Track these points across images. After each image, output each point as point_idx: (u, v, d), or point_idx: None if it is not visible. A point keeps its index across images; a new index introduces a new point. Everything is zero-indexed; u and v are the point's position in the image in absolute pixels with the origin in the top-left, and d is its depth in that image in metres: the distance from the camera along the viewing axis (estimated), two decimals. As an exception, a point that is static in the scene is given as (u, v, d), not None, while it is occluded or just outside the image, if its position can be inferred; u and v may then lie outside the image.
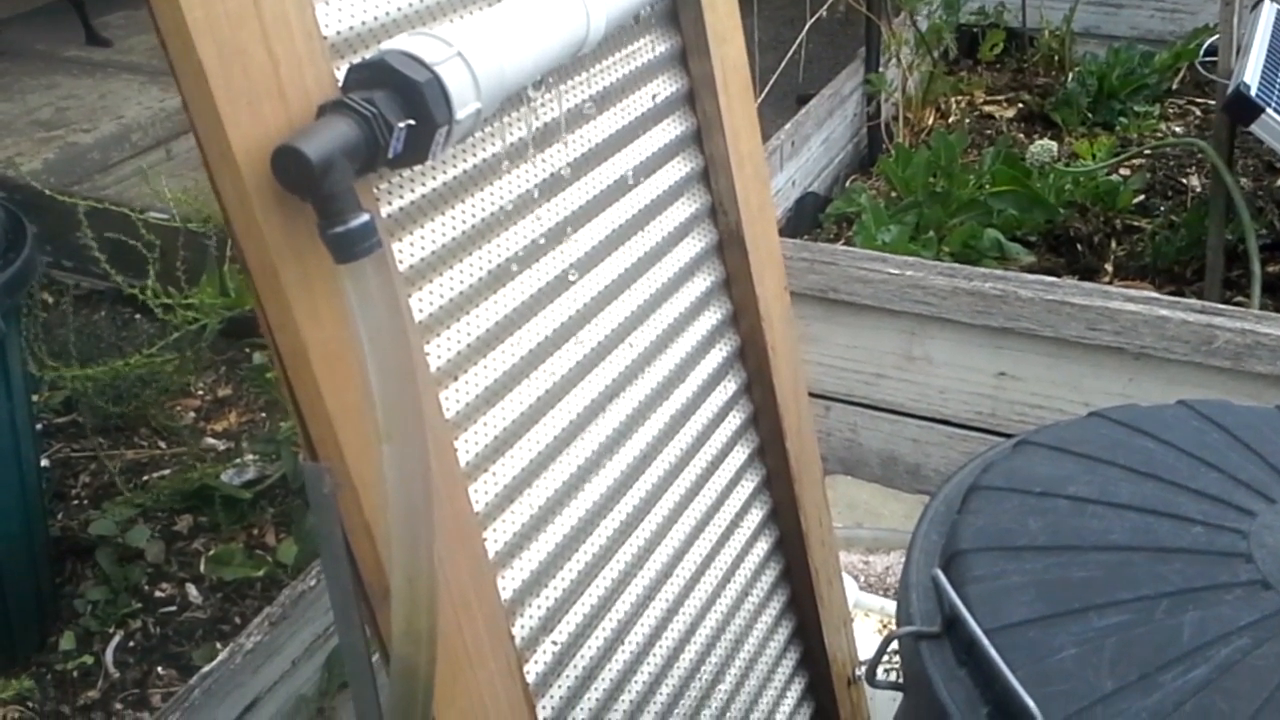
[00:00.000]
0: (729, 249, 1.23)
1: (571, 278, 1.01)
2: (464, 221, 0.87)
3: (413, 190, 0.82)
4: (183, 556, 1.70)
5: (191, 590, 1.63)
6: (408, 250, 0.82)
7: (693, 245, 1.19)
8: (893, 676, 0.89)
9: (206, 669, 1.24)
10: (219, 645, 1.28)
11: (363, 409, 0.72)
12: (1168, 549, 0.81)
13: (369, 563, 0.76)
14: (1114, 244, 2.65)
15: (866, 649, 1.52)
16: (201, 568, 1.64)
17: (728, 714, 1.22)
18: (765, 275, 1.25)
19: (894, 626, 0.84)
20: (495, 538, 0.91)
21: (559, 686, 0.97)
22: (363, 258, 0.67)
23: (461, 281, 0.87)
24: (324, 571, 0.78)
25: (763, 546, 1.32)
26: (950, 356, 1.92)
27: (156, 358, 1.73)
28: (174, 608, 1.61)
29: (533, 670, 0.94)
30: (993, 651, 0.71)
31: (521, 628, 0.93)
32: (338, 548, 0.76)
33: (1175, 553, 0.81)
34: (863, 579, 1.74)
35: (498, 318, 0.91)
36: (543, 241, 0.96)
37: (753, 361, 1.28)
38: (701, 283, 1.21)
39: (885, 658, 0.87)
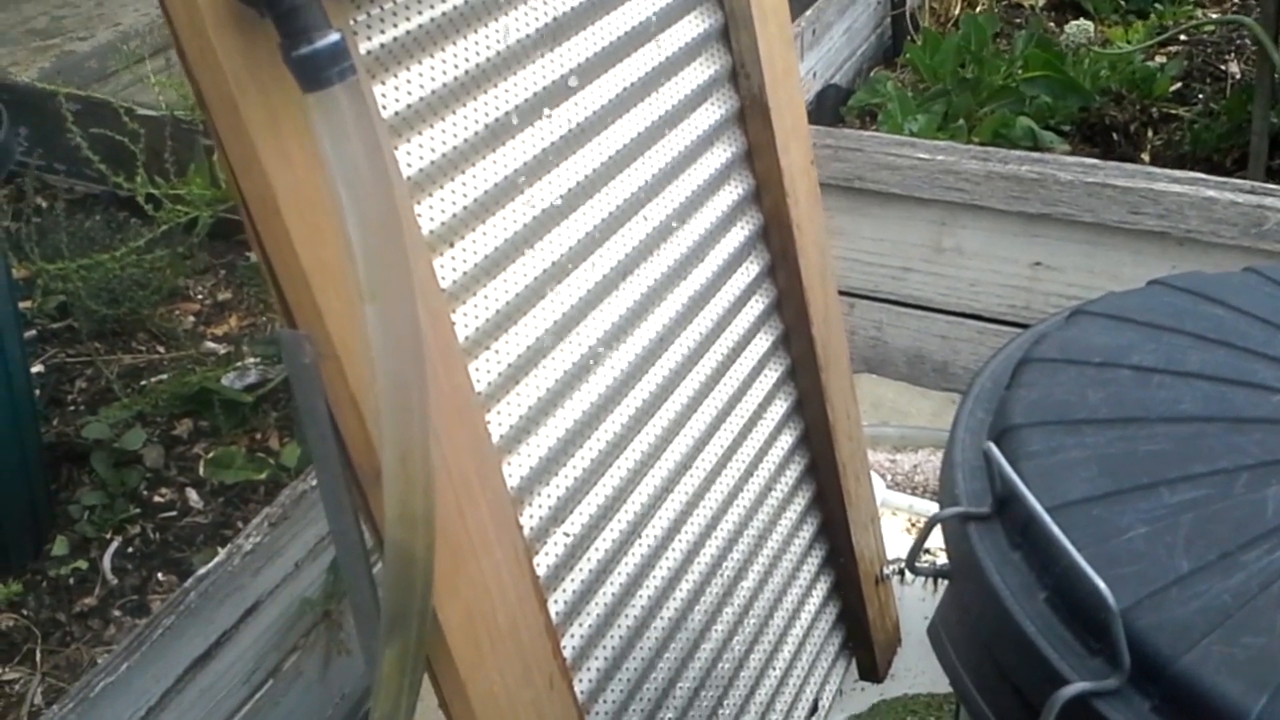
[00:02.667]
0: (751, 117, 1.13)
1: (580, 138, 0.91)
2: (457, 66, 0.78)
3: (396, 25, 0.72)
4: (182, 461, 1.64)
5: (192, 495, 1.58)
6: (391, 95, 0.73)
7: (712, 111, 1.09)
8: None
9: (203, 571, 1.19)
10: (220, 550, 1.22)
11: (343, 266, 0.64)
12: (1245, 419, 0.73)
13: (358, 441, 0.68)
14: (1150, 133, 2.52)
15: (894, 548, 1.45)
16: (201, 472, 1.58)
17: (750, 612, 1.16)
18: (791, 146, 1.15)
19: (922, 525, 0.76)
20: (500, 420, 0.83)
21: (571, 580, 0.90)
22: (333, 85, 0.58)
23: (455, 135, 0.78)
24: (310, 452, 0.71)
25: (787, 439, 1.24)
26: (982, 247, 1.83)
27: (146, 254, 1.65)
28: (174, 513, 1.55)
29: (543, 562, 0.87)
30: (1055, 529, 0.63)
31: (530, 517, 0.86)
32: (323, 425, 0.69)
33: (1254, 423, 0.73)
34: (889, 477, 1.67)
35: (497, 179, 0.82)
36: (547, 95, 0.87)
37: (777, 241, 1.19)
38: (722, 153, 1.11)
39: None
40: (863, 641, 1.36)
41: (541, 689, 0.82)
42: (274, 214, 0.62)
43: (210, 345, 1.97)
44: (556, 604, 0.89)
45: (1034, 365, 0.81)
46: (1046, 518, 0.64)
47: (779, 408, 1.22)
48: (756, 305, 1.18)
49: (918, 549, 0.75)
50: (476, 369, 0.81)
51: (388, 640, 0.71)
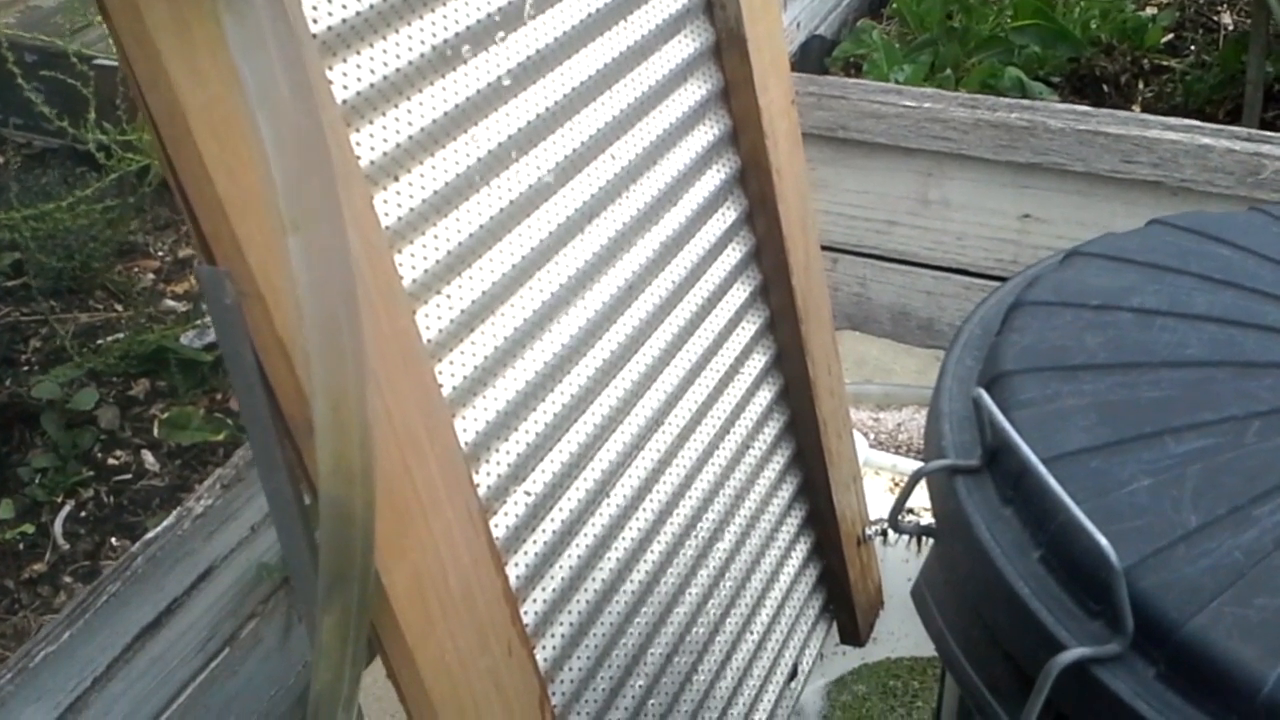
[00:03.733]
0: (727, 52, 1.07)
1: (539, 69, 0.85)
2: (399, -19, 0.71)
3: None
4: (139, 423, 1.57)
5: (148, 457, 1.51)
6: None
7: (685, 45, 1.03)
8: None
9: (150, 535, 1.13)
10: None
11: (265, 194, 0.57)
12: (1256, 363, 0.68)
13: (287, 389, 0.62)
14: (1141, 85, 2.46)
15: (876, 508, 1.41)
16: (157, 433, 1.52)
17: (727, 574, 1.10)
18: (769, 84, 1.09)
19: (905, 484, 0.71)
20: (452, 371, 0.77)
21: (533, 542, 0.85)
22: (245, -17, 0.51)
23: (399, 57, 0.71)
24: (238, 402, 0.64)
25: (766, 394, 1.19)
26: (970, 199, 1.76)
27: (96, 203, 1.57)
28: (129, 476, 1.49)
29: (501, 523, 0.81)
30: (1051, 480, 0.58)
31: (487, 475, 0.80)
32: (249, 373, 0.62)
33: (1265, 368, 0.67)
34: (872, 436, 1.62)
35: (448, 107, 0.76)
36: (501, 19, 0.80)
37: (755, 186, 1.12)
38: (695, 90, 1.05)
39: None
40: (844, 604, 1.31)
41: (499, 657, 0.76)
42: (184, 135, 0.56)
43: (170, 303, 1.90)
44: (516, 567, 0.83)
45: (1027, 309, 0.75)
46: (1042, 469, 0.58)
47: (757, 361, 1.17)
48: (733, 253, 1.12)
49: (900, 505, 0.69)
50: (425, 315, 0.75)
51: (326, 605, 0.65)
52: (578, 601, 0.89)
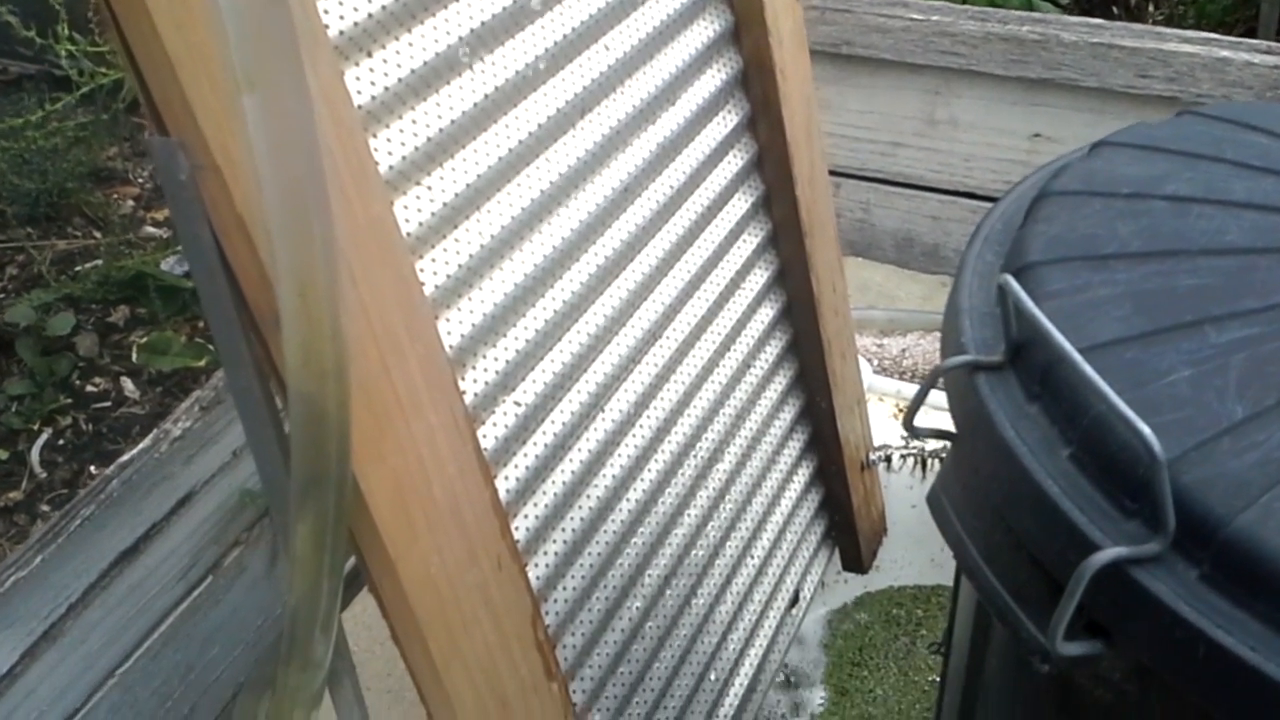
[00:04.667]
0: (727, -58, 1.00)
1: (526, -55, 0.78)
2: None
3: None
4: (118, 350, 1.52)
5: (127, 384, 1.46)
6: None
7: (682, -68, 0.96)
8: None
9: (126, 458, 1.08)
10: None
11: (218, 52, 0.51)
12: (1303, 251, 0.63)
13: (250, 275, 0.57)
14: (1151, 6, 2.38)
15: (881, 434, 1.36)
16: (135, 358, 1.46)
17: (727, 497, 1.06)
18: (772, -23, 1.02)
19: (923, 382, 0.66)
20: (434, 269, 0.72)
21: (524, 455, 0.80)
22: None
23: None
24: (199, 292, 0.59)
25: (768, 311, 1.13)
26: (979, 118, 1.70)
27: (66, 120, 1.51)
28: (108, 404, 1.44)
29: (490, 434, 0.77)
30: (1086, 367, 0.53)
31: (474, 383, 0.75)
32: (209, 257, 0.57)
33: (1313, 255, 0.62)
34: (876, 362, 1.58)
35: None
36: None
37: (757, 88, 1.06)
38: (694, -18, 0.98)
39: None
40: (847, 530, 1.27)
41: (488, 572, 0.72)
42: (127, -18, 0.50)
43: (150, 230, 1.84)
44: (506, 481, 0.78)
45: (1053, 199, 0.70)
46: (1075, 355, 0.53)
47: (759, 276, 1.11)
48: (735, 160, 1.06)
49: (917, 405, 0.64)
50: (404, 208, 0.69)
51: (300, 511, 0.60)
52: (571, 519, 0.85)
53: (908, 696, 1.28)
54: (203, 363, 1.44)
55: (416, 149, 0.69)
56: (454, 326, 0.73)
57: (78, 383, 1.46)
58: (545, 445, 0.82)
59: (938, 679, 1.30)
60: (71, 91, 1.81)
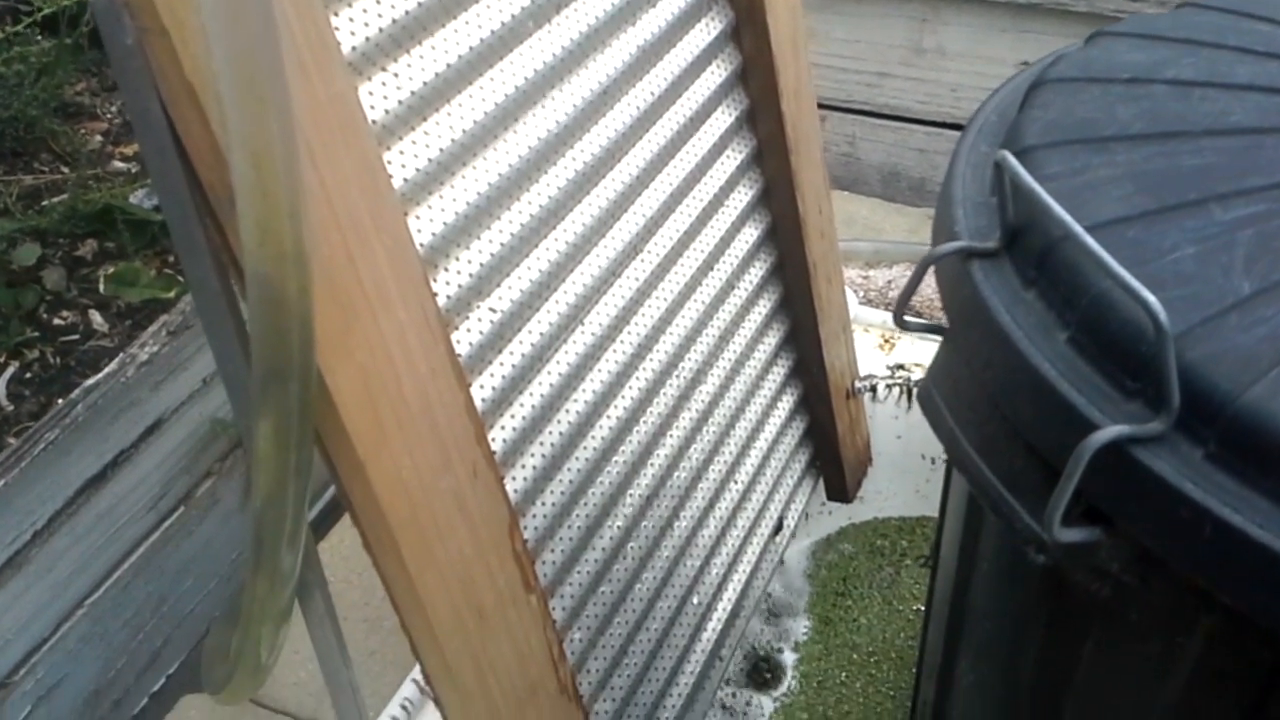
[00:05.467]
0: None
1: None
2: None
3: None
4: (86, 284, 1.48)
5: (96, 317, 1.42)
6: None
7: None
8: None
9: (91, 382, 1.05)
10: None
11: (162, -101, 0.48)
12: (1311, 130, 0.60)
13: (202, 150, 0.54)
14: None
15: (866, 365, 1.34)
16: (103, 290, 1.42)
17: (710, 419, 1.04)
18: (756, -123, 0.98)
19: (914, 270, 0.63)
20: (402, 160, 0.68)
21: (500, 364, 0.77)
22: None
23: None
24: (149, 170, 0.56)
25: (752, 231, 1.11)
26: (966, 46, 1.66)
27: (28, 46, 1.45)
28: (76, 336, 1.39)
29: (464, 339, 0.74)
30: (1089, 240, 0.50)
31: (446, 285, 0.72)
32: (159, 132, 0.54)
33: (1322, 134, 0.60)
34: (862, 294, 1.55)
35: None
36: None
37: (741, -4, 1.03)
38: (675, -120, 0.94)
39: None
40: (831, 459, 1.25)
41: (463, 478, 0.69)
42: None
43: (119, 165, 1.78)
44: (483, 390, 0.76)
45: (1050, 86, 0.67)
46: (1077, 226, 0.51)
47: (743, 193, 1.08)
48: (718, 71, 1.03)
49: (908, 296, 0.62)
50: (369, 93, 0.66)
51: (262, 406, 0.57)
52: (549, 432, 0.82)
53: (892, 625, 1.27)
54: (172, 294, 1.39)
55: (381, 30, 0.66)
56: (423, 224, 0.70)
57: (45, 316, 1.42)
58: (522, 355, 0.79)
59: (922, 608, 1.28)
60: (45, 25, 1.75)
